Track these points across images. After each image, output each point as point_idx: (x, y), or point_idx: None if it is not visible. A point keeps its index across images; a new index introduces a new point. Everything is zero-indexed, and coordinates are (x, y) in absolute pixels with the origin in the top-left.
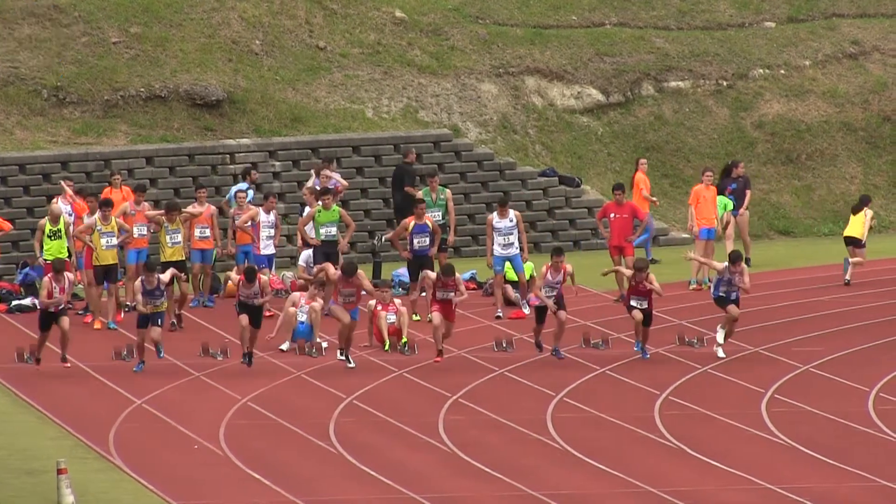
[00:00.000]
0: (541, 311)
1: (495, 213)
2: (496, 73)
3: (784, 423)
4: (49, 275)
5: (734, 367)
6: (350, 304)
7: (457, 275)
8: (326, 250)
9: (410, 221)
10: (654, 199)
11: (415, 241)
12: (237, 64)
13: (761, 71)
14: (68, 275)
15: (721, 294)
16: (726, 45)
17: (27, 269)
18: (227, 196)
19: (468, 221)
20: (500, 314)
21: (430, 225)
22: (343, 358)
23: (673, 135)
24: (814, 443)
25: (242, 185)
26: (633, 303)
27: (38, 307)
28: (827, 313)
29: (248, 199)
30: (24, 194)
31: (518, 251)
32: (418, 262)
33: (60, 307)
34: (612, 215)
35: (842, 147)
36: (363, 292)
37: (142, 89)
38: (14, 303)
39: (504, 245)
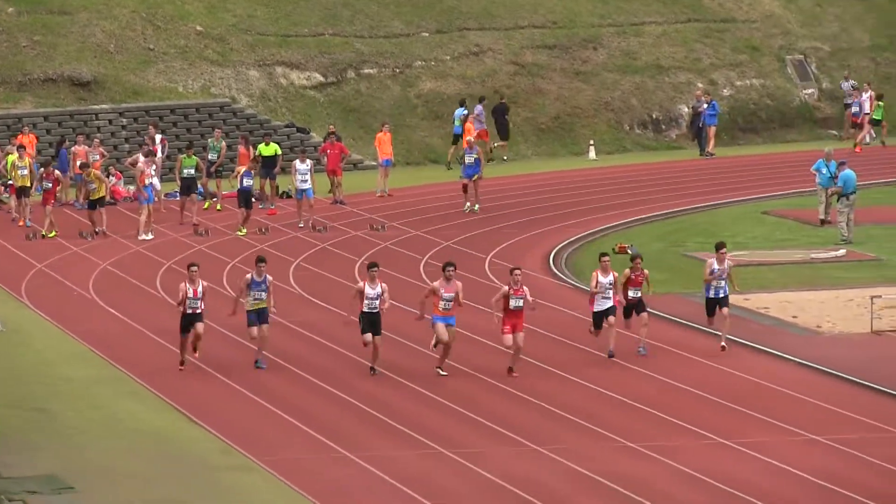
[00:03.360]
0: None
1: (297, 160)
2: (258, 65)
3: (431, 276)
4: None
5: (408, 245)
6: (448, 311)
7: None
8: (188, 184)
9: (242, 168)
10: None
11: (244, 180)
12: (100, 59)
13: (420, 63)
14: (202, 282)
15: (710, 295)
16: (399, 47)
17: None
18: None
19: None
20: (302, 224)
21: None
22: (442, 372)
23: (366, 102)
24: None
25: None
26: (630, 293)
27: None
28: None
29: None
30: None
31: (310, 186)
32: (244, 195)
33: (197, 311)
34: (328, 151)
35: (526, 148)
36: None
37: (41, 74)
38: None
39: (302, 181)
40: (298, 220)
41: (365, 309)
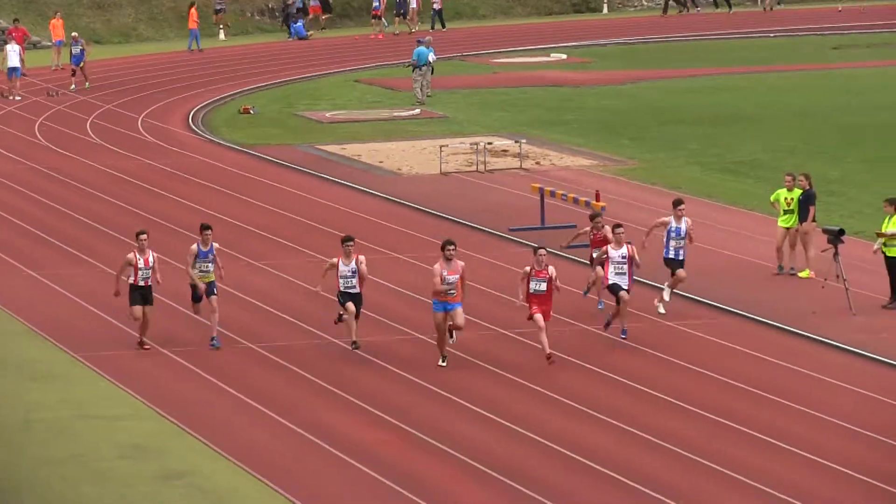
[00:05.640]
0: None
1: (8, 45)
2: None
3: (96, 131)
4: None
5: (77, 108)
6: (453, 297)
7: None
8: None
9: None
10: None
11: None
12: None
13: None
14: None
15: (670, 256)
16: None
17: None
18: None
19: None
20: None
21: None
22: (443, 364)
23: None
24: (114, 142)
25: None
26: (595, 254)
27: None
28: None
29: None
30: None
31: (20, 66)
32: None
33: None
34: (13, 34)
35: (170, 31)
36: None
37: None
38: None
39: (12, 62)
40: (11, 94)
41: (341, 288)
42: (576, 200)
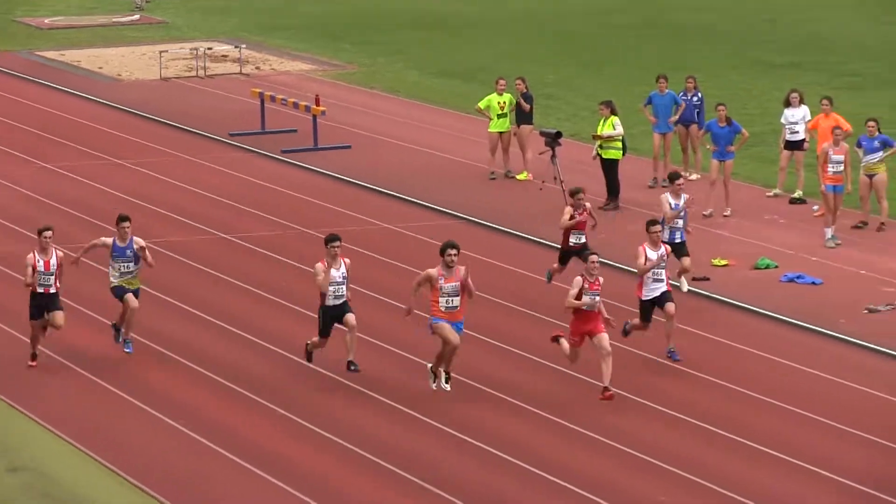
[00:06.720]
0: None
1: None
2: None
3: None
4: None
5: None
6: (454, 313)
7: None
8: None
9: None
10: None
11: None
12: None
13: None
14: (57, 251)
15: (664, 239)
16: None
17: None
18: None
19: None
20: None
21: None
22: (446, 386)
23: None
24: None
25: None
26: (572, 240)
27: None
28: None
29: None
30: None
31: None
32: None
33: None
34: None
35: None
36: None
37: None
38: None
39: None
40: None
41: (329, 301)
42: (296, 105)
